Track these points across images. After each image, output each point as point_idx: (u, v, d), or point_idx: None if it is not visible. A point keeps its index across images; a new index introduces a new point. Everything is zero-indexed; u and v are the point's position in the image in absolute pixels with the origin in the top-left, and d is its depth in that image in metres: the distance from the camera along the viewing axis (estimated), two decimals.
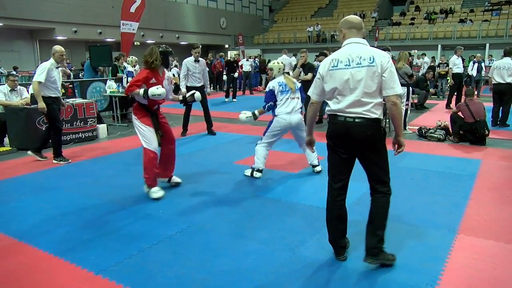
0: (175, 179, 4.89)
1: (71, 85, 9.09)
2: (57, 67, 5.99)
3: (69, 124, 7.29)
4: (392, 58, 9.86)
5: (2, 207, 4.26)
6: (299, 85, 5.19)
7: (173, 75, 16.74)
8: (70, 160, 6.04)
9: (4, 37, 18.72)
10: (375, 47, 2.92)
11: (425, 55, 19.37)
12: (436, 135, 7.39)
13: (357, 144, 2.81)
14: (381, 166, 2.87)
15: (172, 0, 26.22)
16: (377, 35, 23.80)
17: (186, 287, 2.75)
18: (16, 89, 7.31)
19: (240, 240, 3.44)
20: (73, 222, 3.86)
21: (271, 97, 5.02)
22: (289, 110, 4.98)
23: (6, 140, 7.17)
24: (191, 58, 7.67)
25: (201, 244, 3.37)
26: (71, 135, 7.37)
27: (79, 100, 7.91)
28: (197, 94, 5.03)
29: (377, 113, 2.78)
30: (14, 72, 12.08)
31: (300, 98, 5.12)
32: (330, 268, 2.95)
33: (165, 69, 4.66)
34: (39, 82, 5.63)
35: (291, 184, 4.95)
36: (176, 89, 9.12)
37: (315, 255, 3.13)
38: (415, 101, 11.37)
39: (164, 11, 24.51)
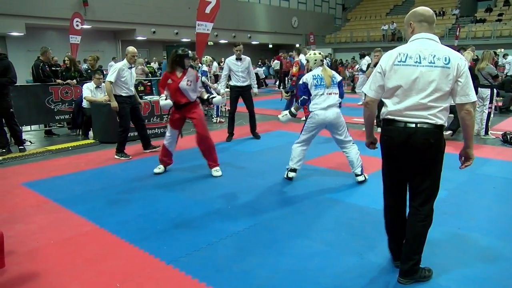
0: (214, 172, 5.27)
1: (149, 83, 9.58)
2: (130, 68, 6.24)
3: (146, 120, 7.68)
4: (477, 58, 9.22)
5: (87, 195, 4.63)
6: (338, 79, 4.85)
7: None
8: (131, 157, 6.27)
9: (91, 38, 20.26)
10: (455, 46, 2.71)
11: (508, 55, 17.81)
12: None
13: (416, 154, 2.53)
14: (434, 181, 2.60)
15: (245, 0, 26.69)
16: (457, 33, 22.29)
17: (251, 283, 2.79)
18: (100, 86, 7.88)
19: (306, 240, 3.42)
20: (147, 212, 4.08)
21: (304, 91, 4.76)
22: (325, 106, 4.68)
23: (91, 133, 7.76)
24: (233, 57, 7.36)
25: (267, 242, 3.40)
26: (148, 131, 7.77)
27: (156, 98, 8.34)
28: (216, 99, 5.46)
29: (443, 119, 2.53)
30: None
31: (338, 94, 4.79)
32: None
33: (189, 69, 5.20)
34: (110, 82, 6.02)
35: (359, 186, 4.82)
36: None
37: (384, 261, 3.02)
38: (500, 104, 10.54)
39: (236, 11, 25.03)
